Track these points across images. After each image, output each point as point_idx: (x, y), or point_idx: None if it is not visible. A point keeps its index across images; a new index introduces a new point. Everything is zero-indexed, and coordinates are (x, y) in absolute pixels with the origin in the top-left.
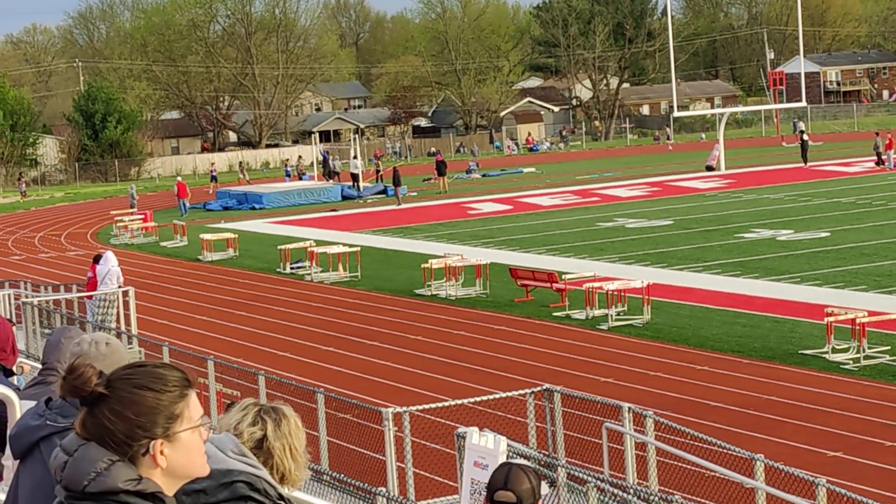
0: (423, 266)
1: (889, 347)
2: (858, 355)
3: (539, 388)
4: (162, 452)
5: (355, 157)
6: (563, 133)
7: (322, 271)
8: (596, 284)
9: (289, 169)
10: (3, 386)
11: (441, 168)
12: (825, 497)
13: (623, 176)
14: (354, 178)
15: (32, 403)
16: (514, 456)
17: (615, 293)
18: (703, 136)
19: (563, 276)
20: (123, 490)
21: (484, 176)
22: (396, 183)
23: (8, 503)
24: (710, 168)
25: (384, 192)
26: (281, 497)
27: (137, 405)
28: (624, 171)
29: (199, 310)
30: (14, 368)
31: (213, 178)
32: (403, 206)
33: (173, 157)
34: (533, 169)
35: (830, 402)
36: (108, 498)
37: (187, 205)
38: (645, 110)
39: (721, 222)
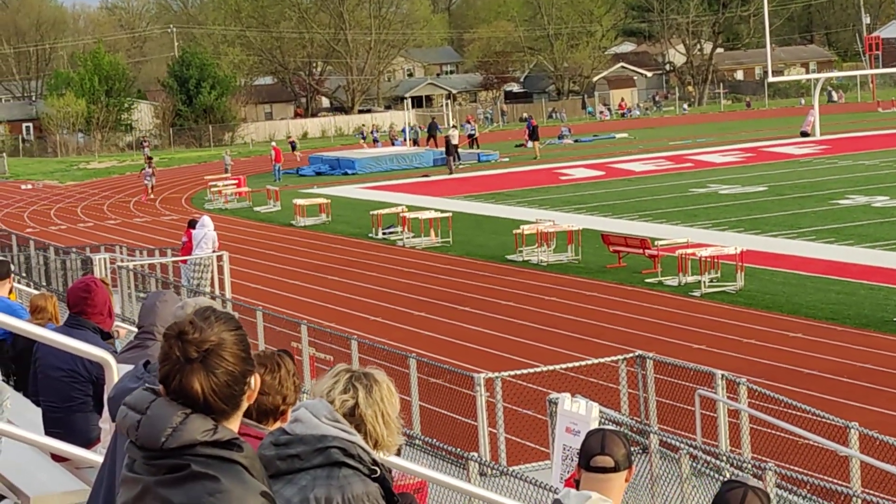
0: (514, 232)
1: None
2: None
3: (631, 355)
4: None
5: (454, 127)
6: (657, 98)
7: (414, 237)
8: (689, 251)
9: (377, 135)
10: (101, 349)
11: (534, 133)
12: None
13: (717, 142)
14: (454, 146)
15: (129, 367)
16: (606, 422)
17: (708, 260)
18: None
19: (656, 243)
20: (201, 441)
21: (576, 141)
22: (449, 152)
23: (106, 465)
24: (804, 134)
25: (478, 158)
26: (375, 463)
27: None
28: (718, 136)
29: (291, 274)
30: (111, 332)
31: (293, 146)
32: (456, 175)
33: (266, 123)
34: (625, 134)
35: None
36: (186, 452)
37: (281, 170)
38: (739, 75)
39: (815, 189)
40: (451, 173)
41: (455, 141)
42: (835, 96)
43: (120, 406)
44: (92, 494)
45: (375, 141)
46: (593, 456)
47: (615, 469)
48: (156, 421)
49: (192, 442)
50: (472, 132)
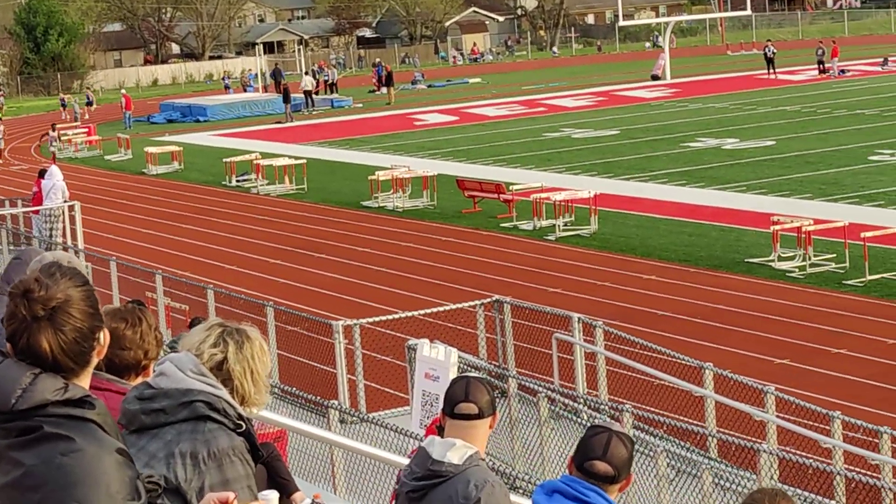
0: (369, 178)
1: (834, 255)
2: (804, 263)
3: (489, 300)
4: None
5: (306, 73)
6: (509, 43)
7: (268, 184)
8: (543, 195)
9: (227, 82)
10: None
11: (388, 79)
12: (773, 404)
13: (569, 86)
14: (306, 94)
15: None
16: (466, 367)
17: (562, 204)
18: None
19: (511, 187)
20: (52, 401)
21: (430, 87)
22: (286, 100)
23: None
24: (655, 77)
25: (332, 104)
26: (241, 417)
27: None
28: (570, 80)
29: (145, 224)
30: None
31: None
32: (295, 123)
33: (116, 70)
34: (478, 79)
35: (777, 310)
36: (37, 413)
37: (131, 117)
38: (590, 19)
39: (667, 132)
40: (289, 121)
41: (308, 87)
42: (661, 41)
43: None
44: None
45: (227, 88)
46: (457, 403)
47: (479, 416)
48: (4, 383)
49: (43, 402)
50: (328, 78)
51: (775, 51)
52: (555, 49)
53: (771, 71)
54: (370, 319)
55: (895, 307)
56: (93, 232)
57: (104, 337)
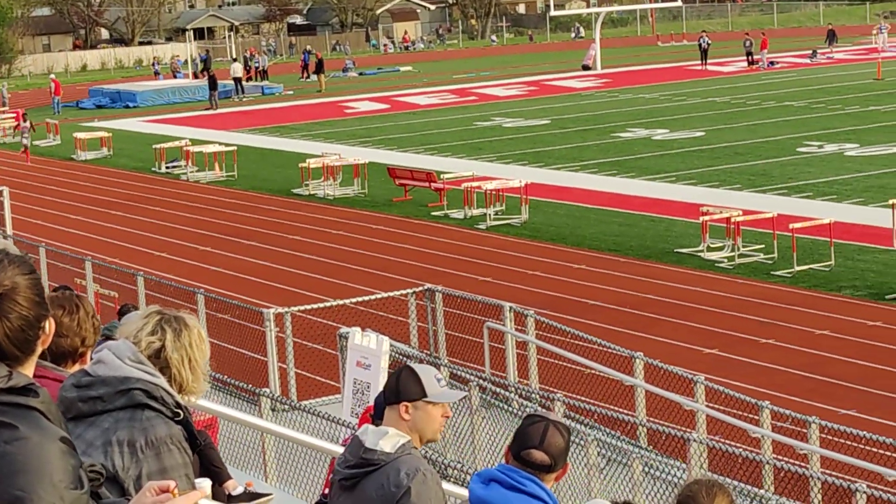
0: (300, 165)
1: (763, 246)
2: (733, 254)
3: (420, 288)
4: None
5: (234, 60)
6: (440, 31)
7: (198, 170)
8: (474, 184)
9: (157, 68)
10: None
11: (318, 67)
12: (703, 394)
13: (500, 75)
14: (236, 81)
15: None
16: (398, 356)
17: (493, 193)
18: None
19: (442, 176)
20: None
21: (361, 74)
22: (213, 87)
23: None
24: (586, 67)
25: (262, 91)
26: (178, 405)
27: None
28: (501, 70)
29: (74, 210)
30: None
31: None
32: (220, 110)
33: (44, 55)
34: (409, 68)
35: (706, 300)
36: None
37: (60, 103)
38: (521, 9)
39: (597, 122)
40: (213, 108)
41: (238, 74)
42: (583, 32)
43: None
44: None
45: (157, 73)
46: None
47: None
48: None
49: None
50: (259, 65)
51: (710, 42)
52: (493, 37)
53: (704, 62)
54: (301, 307)
55: (823, 298)
56: (21, 218)
57: (49, 326)
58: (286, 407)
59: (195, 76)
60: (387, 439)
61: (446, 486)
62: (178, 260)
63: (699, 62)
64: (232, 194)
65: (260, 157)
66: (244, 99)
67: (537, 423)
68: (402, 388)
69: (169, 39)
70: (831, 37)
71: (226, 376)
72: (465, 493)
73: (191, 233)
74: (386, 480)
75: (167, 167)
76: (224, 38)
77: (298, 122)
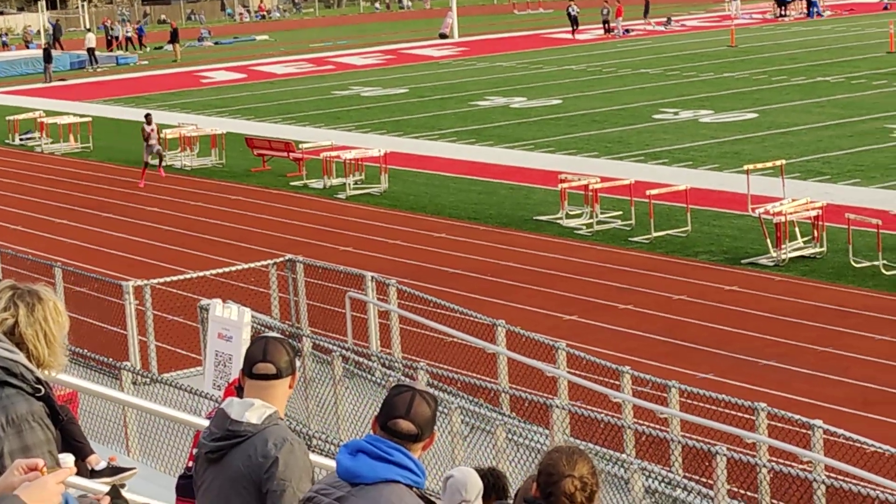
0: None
1: (620, 212)
2: (591, 221)
3: (281, 259)
4: None
5: (88, 30)
6: (296, 0)
7: (52, 142)
8: (333, 153)
9: (5, 38)
10: None
11: (173, 36)
12: (564, 360)
13: (357, 44)
14: (90, 52)
15: None
16: (261, 328)
17: (352, 162)
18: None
19: (300, 146)
20: None
21: (216, 44)
22: (47, 60)
23: None
24: (443, 36)
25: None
26: (39, 381)
27: None
28: (358, 38)
29: None
30: None
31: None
32: (55, 83)
33: None
34: (266, 37)
35: (565, 267)
36: None
37: None
38: None
39: (455, 90)
40: (47, 81)
41: (92, 44)
42: (405, 2)
43: None
44: None
45: (5, 45)
46: (256, 363)
47: (277, 376)
48: None
49: None
50: (118, 34)
51: (578, 10)
52: (409, 4)
53: (575, 30)
54: (161, 280)
55: (680, 263)
56: None
57: None
58: (147, 380)
59: (48, 47)
60: (253, 411)
61: (313, 457)
62: (34, 233)
63: (568, 30)
64: (88, 166)
65: (115, 128)
66: (98, 69)
67: (404, 393)
68: (293, 361)
69: (21, 9)
70: (646, 9)
71: (86, 350)
72: (332, 464)
73: (47, 205)
74: (253, 451)
75: (21, 139)
76: (77, 7)
77: (154, 92)
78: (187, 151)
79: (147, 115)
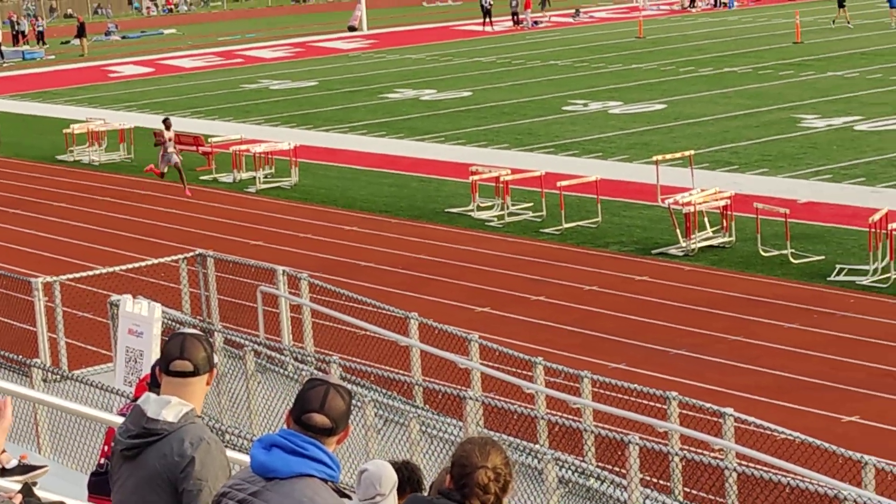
0: (64, 131)
1: (531, 204)
2: (502, 212)
3: (192, 254)
4: None
5: None
6: None
7: None
8: (243, 147)
9: None
10: None
11: (80, 30)
12: (477, 352)
13: (266, 37)
14: None
15: None
16: (173, 323)
17: (262, 156)
18: None
19: (209, 140)
20: None
21: (124, 38)
22: None
23: None
24: (352, 28)
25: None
26: None
27: None
28: (266, 31)
29: None
30: None
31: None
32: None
33: None
34: (174, 30)
35: (477, 259)
36: None
37: None
38: None
39: (365, 83)
40: None
41: None
42: None
43: None
44: None
45: None
46: (173, 360)
47: (195, 373)
48: None
49: None
50: (24, 29)
51: (492, 2)
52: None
53: (487, 22)
54: (70, 276)
55: (591, 254)
56: None
57: None
58: (58, 377)
59: None
60: (169, 409)
61: (227, 452)
62: None
63: (478, 22)
64: None
65: (22, 124)
66: (4, 64)
67: (318, 386)
68: (210, 357)
69: None
70: (544, 1)
71: None
72: (246, 459)
73: None
74: (170, 450)
75: None
76: None
77: (61, 87)
78: (95, 146)
79: (165, 120)
